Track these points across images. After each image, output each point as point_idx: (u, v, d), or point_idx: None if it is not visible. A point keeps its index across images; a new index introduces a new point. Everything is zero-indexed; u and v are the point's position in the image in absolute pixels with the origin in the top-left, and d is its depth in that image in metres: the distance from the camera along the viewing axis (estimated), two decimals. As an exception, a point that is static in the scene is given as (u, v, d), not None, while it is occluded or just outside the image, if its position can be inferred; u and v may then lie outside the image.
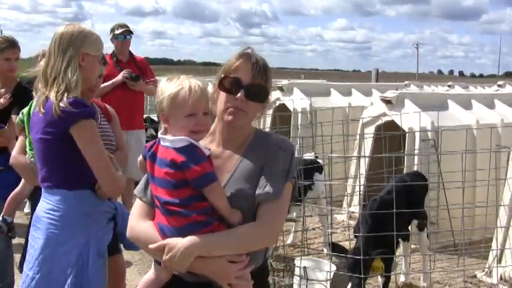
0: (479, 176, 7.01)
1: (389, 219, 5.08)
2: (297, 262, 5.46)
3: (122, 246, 3.73)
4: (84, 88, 3.29)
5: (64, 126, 3.08)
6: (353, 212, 8.21)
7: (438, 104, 8.12)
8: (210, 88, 2.53)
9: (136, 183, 2.65)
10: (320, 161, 7.20)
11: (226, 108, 2.42)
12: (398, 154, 7.01)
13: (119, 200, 3.85)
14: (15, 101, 5.00)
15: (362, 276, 4.80)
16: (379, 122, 8.08)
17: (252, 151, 2.48)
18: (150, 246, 2.35)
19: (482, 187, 6.69)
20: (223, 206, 2.32)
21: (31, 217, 3.57)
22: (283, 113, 9.74)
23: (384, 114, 8.05)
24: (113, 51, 7.26)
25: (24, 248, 4.03)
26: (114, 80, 6.95)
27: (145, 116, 9.54)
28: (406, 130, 7.47)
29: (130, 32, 7.32)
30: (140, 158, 2.51)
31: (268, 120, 10.48)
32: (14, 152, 4.07)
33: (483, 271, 6.32)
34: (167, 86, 2.37)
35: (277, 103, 10.63)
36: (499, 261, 6.08)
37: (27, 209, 8.10)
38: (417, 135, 7.33)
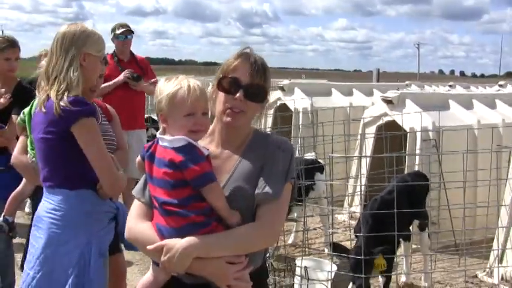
0: (480, 176, 7.00)
1: (390, 219, 5.08)
2: (298, 262, 5.46)
3: (122, 246, 3.73)
4: (85, 88, 3.29)
5: (65, 125, 3.08)
6: (354, 212, 8.21)
7: (439, 104, 8.12)
8: (211, 88, 2.52)
9: (137, 183, 2.63)
10: (321, 160, 7.20)
11: (225, 108, 2.40)
12: (399, 154, 7.01)
13: (120, 199, 3.85)
14: (16, 101, 4.99)
15: (363, 276, 4.79)
16: (380, 122, 8.07)
17: (251, 151, 2.46)
18: (148, 247, 2.33)
19: (483, 187, 6.68)
20: (222, 207, 2.31)
21: (32, 217, 3.57)
22: (284, 113, 9.74)
23: (385, 114, 8.05)
24: (114, 51, 7.26)
25: (25, 248, 4.03)
26: (115, 80, 6.95)
27: (146, 115, 9.54)
28: (407, 130, 7.47)
29: (131, 32, 7.32)
30: (138, 158, 2.50)
31: (270, 120, 10.47)
32: (15, 152, 4.07)
33: (484, 271, 6.31)
34: (166, 86, 2.36)
35: (278, 103, 10.64)
36: (500, 261, 6.08)
37: (27, 209, 8.10)
38: (418, 135, 7.33)
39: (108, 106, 4.02)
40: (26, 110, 4.09)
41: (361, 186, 7.51)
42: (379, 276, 5.25)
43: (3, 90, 5.04)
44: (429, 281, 6.02)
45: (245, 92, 2.38)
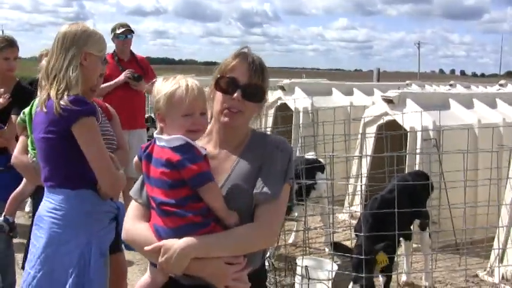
0: (480, 175, 7.00)
1: (391, 218, 5.08)
2: (298, 261, 5.46)
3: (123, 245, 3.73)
4: (85, 87, 3.29)
5: (66, 125, 3.08)
6: (355, 212, 8.21)
7: (440, 103, 8.11)
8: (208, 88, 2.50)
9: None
10: (321, 160, 7.20)
11: (223, 108, 2.38)
12: (400, 153, 7.00)
13: (121, 199, 3.85)
14: (15, 101, 4.98)
15: (364, 275, 4.78)
16: (381, 121, 8.08)
17: (250, 152, 2.44)
18: (146, 248, 2.30)
19: (483, 186, 6.68)
20: (220, 207, 2.28)
21: (32, 216, 3.57)
22: (284, 113, 9.74)
23: (386, 114, 8.05)
24: (114, 51, 7.26)
25: (26, 247, 4.03)
26: (116, 80, 6.95)
27: (147, 115, 9.55)
28: (408, 129, 7.47)
29: (131, 32, 7.32)
30: (136, 159, 2.48)
31: (270, 119, 10.48)
32: (16, 152, 4.07)
33: (485, 270, 6.32)
34: (164, 85, 2.35)
35: (279, 102, 10.63)
36: (501, 260, 6.09)
37: (28, 207, 8.10)
38: (419, 134, 7.33)
39: (108, 106, 4.02)
40: (27, 109, 4.09)
41: (361, 185, 7.51)
42: (380, 276, 5.25)
43: (2, 90, 5.03)
44: (430, 280, 6.02)
45: (243, 92, 2.37)
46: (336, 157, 6.49)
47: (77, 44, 3.25)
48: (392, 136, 7.08)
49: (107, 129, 3.63)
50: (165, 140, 2.30)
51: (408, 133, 7.50)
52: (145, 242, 2.32)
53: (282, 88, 10.73)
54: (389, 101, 8.01)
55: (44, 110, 3.14)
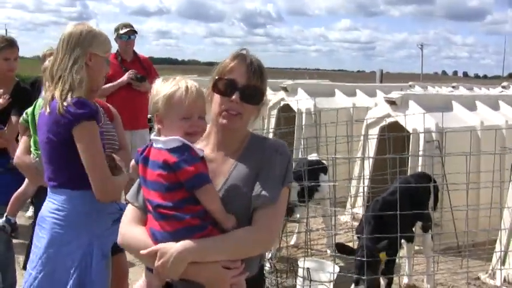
0: (483, 177, 6.99)
1: (393, 220, 5.07)
2: (300, 263, 5.46)
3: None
4: (89, 88, 3.29)
5: (67, 127, 3.08)
6: (356, 213, 8.20)
7: (442, 105, 8.11)
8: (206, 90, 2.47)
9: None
10: (324, 161, 7.20)
11: (221, 111, 2.35)
12: (402, 155, 6.99)
13: (123, 201, 3.85)
14: (14, 101, 4.97)
15: (365, 277, 4.78)
16: (384, 123, 8.07)
17: (248, 155, 2.41)
18: (142, 252, 2.26)
19: (486, 189, 6.68)
20: (217, 210, 2.25)
21: (34, 218, 3.58)
22: (287, 114, 9.74)
23: (388, 115, 8.04)
24: (117, 51, 7.27)
25: (27, 248, 4.04)
26: (119, 80, 6.96)
27: (149, 115, 9.54)
28: (411, 131, 7.46)
29: (134, 32, 7.33)
30: (133, 162, 2.47)
31: (273, 120, 10.48)
32: (18, 152, 4.07)
33: (487, 273, 6.31)
34: (163, 86, 2.32)
35: (282, 103, 10.63)
36: (503, 263, 6.08)
37: (29, 213, 8.08)
38: (421, 136, 7.33)
39: (110, 106, 4.02)
40: (29, 110, 4.10)
41: (363, 187, 7.50)
42: (381, 278, 5.25)
43: (1, 91, 5.01)
44: (431, 282, 6.01)
45: (241, 93, 2.33)
46: (338, 159, 6.47)
47: (82, 44, 3.24)
48: (394, 138, 7.08)
49: (108, 129, 3.63)
50: (162, 141, 2.27)
51: (411, 135, 7.49)
52: (141, 246, 2.29)
53: (285, 89, 10.73)
54: (392, 103, 8.00)
55: (48, 110, 3.14)
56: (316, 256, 6.52)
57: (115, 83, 6.87)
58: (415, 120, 7.36)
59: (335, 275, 5.29)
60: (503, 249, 6.08)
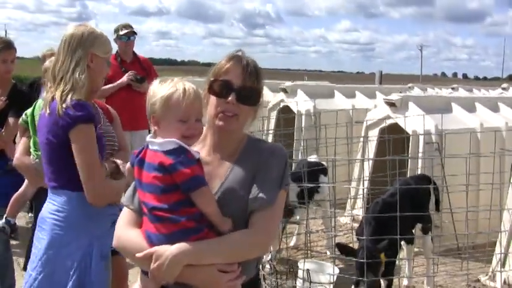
0: (483, 179, 6.99)
1: (393, 221, 5.06)
2: (300, 265, 5.46)
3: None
4: (89, 89, 3.28)
5: (65, 128, 3.07)
6: (356, 215, 8.20)
7: (442, 106, 8.10)
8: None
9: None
10: (324, 163, 7.19)
11: (217, 112, 2.33)
12: (402, 157, 7.00)
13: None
14: (11, 103, 4.95)
15: (365, 279, 4.77)
16: (383, 124, 8.07)
17: (245, 158, 2.38)
18: (137, 255, 2.23)
19: (486, 191, 6.67)
20: (213, 212, 2.22)
21: (34, 219, 3.57)
22: (287, 115, 9.74)
23: (388, 117, 8.04)
24: (117, 52, 7.27)
25: (27, 249, 4.03)
26: (119, 81, 6.96)
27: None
28: (410, 133, 7.47)
29: (134, 33, 7.33)
30: (128, 165, 2.44)
31: (272, 122, 10.47)
32: (18, 153, 4.07)
33: (487, 275, 6.30)
34: (160, 88, 2.30)
35: (281, 105, 10.63)
36: (503, 265, 6.07)
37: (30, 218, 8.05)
38: (421, 138, 7.33)
39: (109, 107, 4.02)
40: (29, 111, 4.09)
41: (363, 189, 7.49)
42: (381, 280, 5.24)
43: None
44: (431, 284, 6.00)
45: (237, 95, 2.31)
46: (337, 160, 6.47)
47: (84, 45, 3.24)
48: (394, 139, 7.08)
49: (108, 130, 3.62)
50: (158, 143, 2.25)
51: (410, 136, 7.49)
52: (136, 248, 2.26)
53: (285, 90, 10.72)
54: (391, 104, 8.00)
55: (48, 112, 3.13)
56: (316, 258, 6.52)
57: (115, 84, 6.88)
58: (415, 122, 7.36)
59: (335, 277, 5.29)
60: (503, 251, 6.07)
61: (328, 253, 6.84)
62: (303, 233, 6.92)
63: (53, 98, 3.15)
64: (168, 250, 2.15)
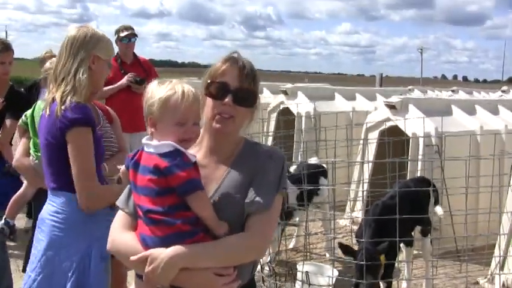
0: (482, 182, 6.99)
1: (392, 224, 5.07)
2: (299, 267, 5.46)
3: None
4: (90, 91, 3.28)
5: (62, 130, 3.07)
6: (356, 217, 8.21)
7: (442, 109, 8.12)
8: None
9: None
10: (324, 165, 7.20)
11: (214, 114, 2.30)
12: (401, 159, 7.00)
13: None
14: (8, 105, 4.95)
15: (365, 282, 4.78)
16: (383, 127, 8.08)
17: (242, 161, 2.36)
18: (132, 258, 2.21)
19: (485, 193, 6.67)
20: (209, 216, 2.20)
21: (33, 220, 3.57)
22: (287, 117, 9.74)
23: (388, 120, 8.05)
24: (117, 53, 7.28)
25: (27, 251, 4.03)
26: (119, 83, 6.97)
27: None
28: (410, 135, 7.47)
29: (135, 35, 7.35)
30: (123, 168, 2.41)
31: (272, 124, 10.48)
32: (18, 155, 4.07)
33: (485, 278, 6.31)
34: (159, 89, 2.26)
35: (281, 107, 10.63)
36: (502, 268, 6.07)
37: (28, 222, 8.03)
38: (421, 140, 7.33)
39: (109, 109, 4.02)
40: (28, 112, 4.10)
41: (363, 191, 7.49)
42: (380, 283, 5.24)
43: None
44: (430, 287, 6.00)
45: (234, 96, 2.29)
46: (337, 162, 6.47)
47: (87, 47, 3.24)
48: (394, 142, 7.08)
49: (108, 132, 3.63)
50: (154, 146, 2.22)
51: (410, 139, 7.49)
52: (131, 252, 2.24)
53: (285, 92, 10.72)
54: (391, 107, 8.01)
55: (48, 113, 3.14)
56: (315, 260, 6.52)
57: (114, 85, 6.88)
58: (415, 124, 7.36)
59: (334, 279, 5.29)
60: (502, 254, 6.07)
61: (327, 255, 6.83)
62: (302, 235, 6.92)
63: (53, 99, 3.15)
64: (163, 253, 2.13)
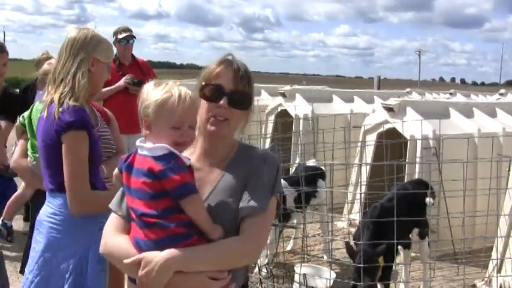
0: (480, 184, 7.01)
1: (390, 226, 5.07)
2: (296, 269, 5.46)
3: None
4: (88, 93, 3.28)
5: (58, 133, 3.06)
6: (353, 219, 8.21)
7: (440, 112, 8.13)
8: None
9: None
10: (323, 167, 7.20)
11: (209, 117, 2.29)
12: (399, 162, 7.01)
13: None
14: (2, 106, 4.93)
15: (362, 284, 4.78)
16: (381, 129, 8.08)
17: (236, 164, 2.35)
18: (125, 261, 2.18)
19: (483, 196, 6.68)
20: (203, 220, 2.18)
21: (32, 222, 3.56)
22: (284, 119, 9.74)
23: (386, 122, 8.06)
24: (116, 55, 7.28)
25: (24, 252, 4.02)
26: (116, 85, 6.96)
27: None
28: (408, 138, 7.48)
29: (133, 37, 7.35)
30: (116, 171, 2.38)
31: (270, 126, 10.48)
32: (15, 156, 4.07)
33: (483, 280, 6.31)
34: (155, 91, 2.23)
35: (279, 109, 10.63)
36: (499, 270, 6.08)
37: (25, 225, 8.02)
38: (419, 143, 7.34)
39: (107, 110, 4.02)
40: (26, 113, 4.09)
41: (360, 193, 7.50)
42: (378, 285, 5.25)
43: None
44: (428, 289, 6.01)
45: (229, 99, 2.28)
46: (335, 165, 6.48)
47: (87, 49, 3.23)
48: (392, 144, 7.08)
49: (105, 134, 3.62)
50: (148, 148, 2.20)
51: (408, 141, 7.50)
52: (124, 255, 2.21)
53: (283, 94, 10.73)
54: (389, 109, 8.02)
55: (45, 114, 3.13)
56: (312, 262, 6.51)
57: (112, 87, 6.88)
58: (413, 127, 7.37)
59: (331, 281, 5.29)
60: (499, 256, 6.08)
61: (325, 257, 6.83)
62: (300, 237, 6.92)
63: (51, 101, 3.14)
64: (158, 256, 2.11)
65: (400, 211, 5.12)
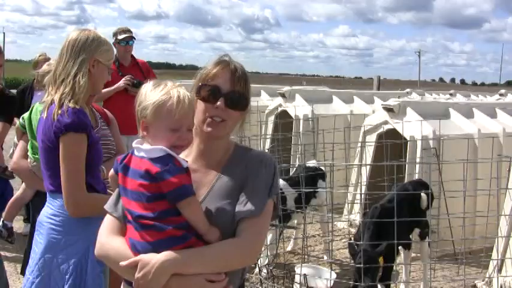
0: (480, 185, 7.01)
1: (391, 226, 5.07)
2: (297, 269, 5.46)
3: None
4: (88, 95, 3.27)
5: (57, 134, 3.05)
6: (354, 220, 8.21)
7: (440, 112, 8.14)
8: None
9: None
10: (323, 168, 7.20)
11: (205, 118, 2.27)
12: (399, 163, 7.00)
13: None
14: None
15: (363, 284, 4.78)
16: (381, 130, 8.09)
17: (232, 166, 2.33)
18: (122, 263, 2.15)
19: (483, 196, 6.68)
20: (200, 222, 2.16)
21: (32, 223, 3.56)
22: (284, 120, 9.73)
23: (386, 122, 8.06)
24: (115, 56, 7.26)
25: (25, 253, 4.02)
26: (116, 86, 6.95)
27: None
28: (408, 138, 7.48)
29: (133, 38, 7.35)
30: (111, 172, 2.35)
31: (270, 126, 10.47)
32: (15, 157, 4.06)
33: (483, 280, 6.31)
34: (153, 92, 2.21)
35: (279, 109, 10.63)
36: (499, 270, 6.07)
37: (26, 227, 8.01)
38: (419, 143, 7.34)
39: (107, 111, 4.01)
40: (26, 114, 4.09)
41: (361, 194, 7.50)
42: (378, 285, 5.25)
43: None
44: (428, 289, 6.01)
45: (226, 99, 2.27)
46: (335, 165, 6.48)
47: (88, 50, 3.22)
48: (392, 145, 7.08)
49: (106, 135, 3.62)
50: (145, 150, 2.18)
51: (408, 142, 7.50)
52: (120, 257, 2.18)
53: (283, 95, 10.72)
54: (389, 110, 8.02)
55: (45, 115, 3.13)
56: (313, 262, 6.51)
57: (111, 88, 6.87)
58: (413, 127, 7.37)
59: (332, 282, 5.29)
60: (499, 256, 6.08)
61: (325, 258, 6.83)
62: (300, 238, 6.92)
63: (52, 101, 3.14)
64: (155, 258, 2.08)
65: (400, 211, 5.12)
